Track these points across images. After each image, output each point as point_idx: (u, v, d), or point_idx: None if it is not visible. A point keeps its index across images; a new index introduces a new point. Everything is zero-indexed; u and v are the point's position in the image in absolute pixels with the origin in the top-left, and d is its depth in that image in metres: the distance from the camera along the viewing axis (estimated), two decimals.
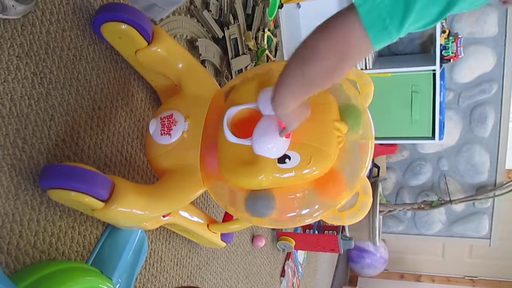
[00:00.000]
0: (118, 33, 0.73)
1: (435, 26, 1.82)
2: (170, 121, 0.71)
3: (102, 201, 0.62)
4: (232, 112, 0.64)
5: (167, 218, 0.79)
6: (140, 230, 0.81)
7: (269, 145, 0.59)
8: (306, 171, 0.61)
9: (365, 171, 0.66)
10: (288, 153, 0.60)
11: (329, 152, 0.61)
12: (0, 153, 0.58)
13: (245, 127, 0.62)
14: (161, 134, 0.71)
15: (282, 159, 0.60)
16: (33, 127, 0.63)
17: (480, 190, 2.56)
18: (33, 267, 0.63)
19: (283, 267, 1.79)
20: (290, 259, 1.84)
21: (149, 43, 0.75)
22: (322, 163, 0.61)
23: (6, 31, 0.59)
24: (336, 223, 0.64)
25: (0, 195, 0.58)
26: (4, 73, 0.59)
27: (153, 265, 0.90)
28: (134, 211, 0.65)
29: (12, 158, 0.60)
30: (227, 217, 0.98)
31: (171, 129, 0.71)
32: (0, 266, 0.56)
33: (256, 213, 0.64)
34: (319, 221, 2.04)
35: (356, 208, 0.64)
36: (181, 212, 0.84)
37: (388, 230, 2.95)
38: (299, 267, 1.97)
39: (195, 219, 0.89)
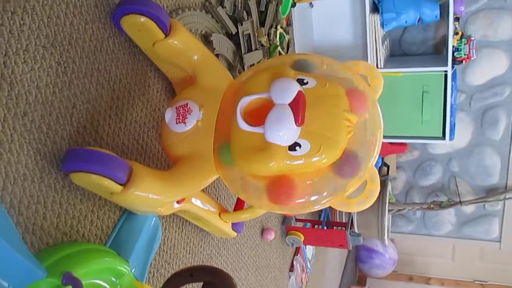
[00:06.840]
0: (137, 26, 0.76)
1: (448, 28, 1.83)
2: (185, 110, 0.74)
3: (121, 184, 0.65)
4: (245, 101, 0.66)
5: (180, 204, 0.81)
6: (154, 217, 0.84)
7: (281, 132, 0.61)
8: (315, 158, 0.63)
9: (373, 161, 0.68)
10: (299, 141, 0.62)
11: (338, 141, 0.64)
12: (26, 138, 0.61)
13: (258, 116, 0.64)
14: (176, 123, 0.74)
15: (293, 147, 0.63)
16: (56, 114, 0.66)
17: (491, 192, 2.55)
18: (55, 247, 0.66)
19: (292, 262, 1.81)
20: (299, 254, 1.86)
21: (166, 36, 0.78)
22: (331, 151, 0.64)
23: (34, 22, 0.63)
24: (344, 209, 0.66)
25: (26, 177, 0.61)
26: (31, 61, 0.62)
27: (167, 251, 0.93)
28: (150, 195, 0.68)
29: (37, 143, 0.63)
30: (238, 207, 1.00)
31: (186, 118, 0.73)
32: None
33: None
34: (328, 217, 2.06)
35: (364, 196, 0.66)
36: (194, 200, 0.87)
37: (398, 229, 2.95)
38: (308, 263, 1.99)
39: (207, 207, 0.92)
